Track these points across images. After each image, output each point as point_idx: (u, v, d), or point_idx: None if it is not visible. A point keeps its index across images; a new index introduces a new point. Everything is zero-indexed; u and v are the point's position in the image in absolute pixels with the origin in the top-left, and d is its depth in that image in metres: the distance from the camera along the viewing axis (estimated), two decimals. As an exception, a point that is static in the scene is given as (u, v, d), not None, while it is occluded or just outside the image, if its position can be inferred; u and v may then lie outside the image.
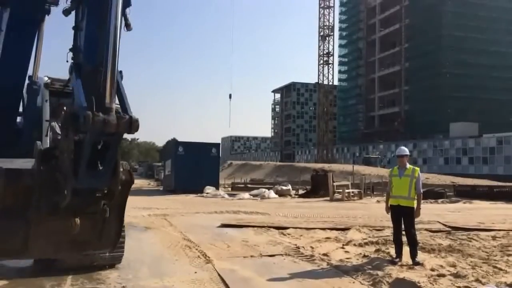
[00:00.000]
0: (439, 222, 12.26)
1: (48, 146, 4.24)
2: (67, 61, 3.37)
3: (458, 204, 20.82)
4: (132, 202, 7.18)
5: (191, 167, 25.35)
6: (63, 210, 3.28)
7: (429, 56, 71.57)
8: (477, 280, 6.27)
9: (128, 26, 3.25)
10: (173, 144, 29.82)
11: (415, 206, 7.52)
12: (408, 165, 7.74)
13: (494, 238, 10.01)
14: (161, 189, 30.91)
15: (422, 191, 7.83)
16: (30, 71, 5.81)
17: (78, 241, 3.54)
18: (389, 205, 7.82)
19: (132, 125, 3.11)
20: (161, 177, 35.48)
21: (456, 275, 6.57)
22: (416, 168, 7.84)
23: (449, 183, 28.97)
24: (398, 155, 7.87)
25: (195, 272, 6.79)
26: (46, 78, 6.19)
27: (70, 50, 3.37)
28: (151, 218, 13.13)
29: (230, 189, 29.86)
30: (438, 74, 71.07)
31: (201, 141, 30.10)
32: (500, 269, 6.99)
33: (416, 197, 7.55)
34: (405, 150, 7.93)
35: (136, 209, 14.51)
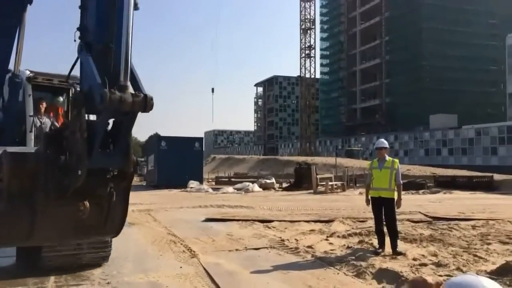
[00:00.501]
0: (421, 213, 12.48)
1: (32, 140, 4.13)
2: (74, 40, 3.26)
3: (439, 194, 21.20)
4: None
5: (175, 162, 25.21)
6: (71, 193, 3.22)
7: (409, 49, 72.36)
8: (458, 269, 6.41)
9: (135, 5, 3.20)
10: (156, 139, 29.61)
11: (395, 197, 7.65)
12: (387, 157, 7.85)
13: (473, 227, 10.24)
14: (144, 184, 30.68)
15: (402, 182, 7.97)
16: (11, 65, 5.62)
17: (83, 226, 3.47)
18: (369, 197, 7.93)
19: (147, 103, 3.06)
20: (144, 172, 35.21)
21: (438, 264, 6.71)
22: (395, 160, 7.96)
23: (429, 174, 29.44)
24: (377, 148, 7.97)
25: (180, 267, 6.79)
26: (28, 72, 6.01)
27: (78, 29, 3.27)
28: (135, 214, 13.04)
29: (214, 183, 29.84)
30: (418, 67, 71.97)
31: (184, 136, 29.94)
32: (480, 258, 7.16)
33: (396, 188, 7.68)
34: (384, 142, 8.05)
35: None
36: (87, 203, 3.31)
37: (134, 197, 18.83)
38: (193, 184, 24.72)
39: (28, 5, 5.10)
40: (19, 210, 3.22)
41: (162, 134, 30.27)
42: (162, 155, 26.17)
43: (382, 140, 8.22)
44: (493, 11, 73.42)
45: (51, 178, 3.21)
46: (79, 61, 3.34)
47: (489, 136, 57.40)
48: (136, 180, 35.35)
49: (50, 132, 3.26)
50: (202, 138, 30.85)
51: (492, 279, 5.62)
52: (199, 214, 13.03)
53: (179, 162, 25.30)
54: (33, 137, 5.71)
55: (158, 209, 14.36)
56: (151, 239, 9.16)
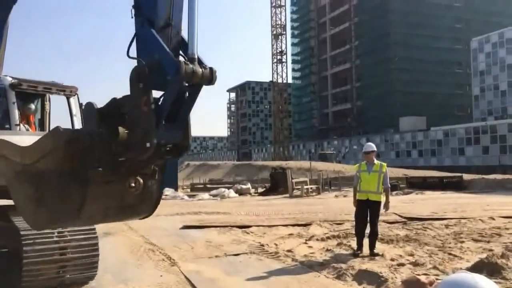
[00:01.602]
0: (395, 214, 12.69)
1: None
2: (132, 17, 3.22)
3: (411, 195, 21.66)
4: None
5: (149, 170, 24.84)
6: (123, 171, 3.21)
7: (378, 53, 73.93)
8: (434, 268, 6.58)
9: None
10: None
11: (382, 200, 7.80)
12: (375, 161, 7.97)
13: (447, 226, 10.51)
14: (117, 193, 30.15)
15: (389, 185, 8.13)
16: None
17: (125, 205, 3.42)
18: (356, 199, 8.01)
19: (213, 76, 3.08)
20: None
21: (415, 264, 6.87)
22: (384, 163, 8.08)
23: (401, 175, 30.02)
24: (365, 152, 8.06)
25: (161, 276, 6.71)
26: (9, 78, 5.74)
27: (133, 6, 3.23)
28: (110, 223, 12.79)
29: (189, 190, 29.60)
30: (387, 71, 73.55)
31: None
32: (455, 256, 7.37)
33: (384, 192, 7.82)
34: (372, 146, 8.15)
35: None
36: (140, 179, 3.30)
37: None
38: (168, 191, 24.42)
39: (13, 5, 4.96)
40: (70, 189, 3.16)
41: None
42: (136, 163, 25.79)
43: (370, 144, 8.33)
44: (458, 15, 75.85)
45: (104, 155, 3.15)
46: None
47: (457, 137, 59.13)
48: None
49: (100, 108, 3.20)
50: (176, 144, 30.57)
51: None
52: (176, 221, 12.90)
53: (153, 169, 24.92)
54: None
55: (134, 218, 14.13)
56: (129, 248, 9.02)
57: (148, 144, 2.99)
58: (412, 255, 7.56)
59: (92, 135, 3.11)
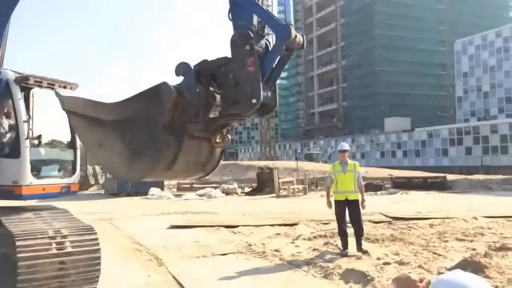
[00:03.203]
0: (381, 213, 12.85)
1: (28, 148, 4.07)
2: None
3: (396, 195, 21.89)
4: (73, 207, 6.95)
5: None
6: (214, 126, 3.44)
7: (364, 54, 74.55)
8: (419, 266, 6.68)
9: None
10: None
11: (359, 198, 7.91)
12: (349, 160, 8.08)
13: (431, 226, 10.67)
14: (102, 192, 29.86)
15: (363, 184, 8.24)
16: None
17: (199, 162, 3.61)
18: (333, 200, 8.08)
19: (305, 42, 3.48)
20: (102, 181, 34.25)
21: (400, 263, 6.97)
22: (356, 162, 8.21)
23: (386, 175, 30.33)
24: (340, 150, 8.16)
25: (149, 276, 6.71)
26: (12, 73, 5.55)
27: None
28: (96, 223, 12.60)
29: (175, 189, 29.45)
30: (372, 72, 74.20)
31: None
32: (439, 255, 7.50)
33: (359, 190, 7.93)
34: (345, 145, 8.27)
35: (78, 214, 13.93)
36: (228, 135, 3.58)
37: (93, 206, 18.43)
38: (154, 191, 24.28)
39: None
40: (169, 140, 3.31)
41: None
42: (122, 163, 25.61)
43: (344, 143, 8.44)
44: (442, 18, 76.85)
45: (201, 109, 3.33)
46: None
47: (440, 138, 59.93)
48: (94, 188, 34.40)
49: (196, 68, 3.40)
50: (162, 144, 30.37)
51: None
52: (163, 221, 12.84)
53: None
54: (28, 145, 5.37)
55: (120, 218, 14.04)
56: (116, 249, 8.95)
57: (254, 100, 3.24)
58: (397, 254, 7.66)
59: (192, 90, 3.31)
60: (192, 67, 3.40)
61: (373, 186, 23.56)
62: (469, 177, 30.03)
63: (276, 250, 8.25)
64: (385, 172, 33.09)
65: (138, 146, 3.38)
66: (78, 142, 6.39)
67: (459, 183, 25.91)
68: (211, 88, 3.43)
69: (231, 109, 3.36)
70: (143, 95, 3.34)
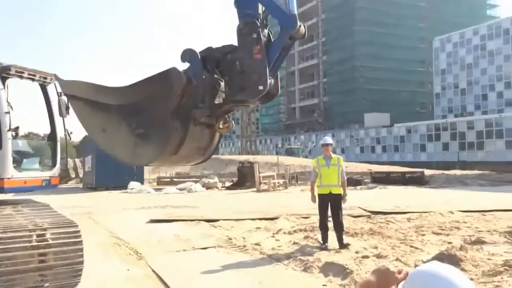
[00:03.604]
0: (360, 208, 13.02)
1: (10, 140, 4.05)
2: None
3: (375, 190, 22.21)
4: (50, 201, 6.84)
5: (114, 163, 24.16)
6: (219, 112, 3.52)
7: (345, 50, 75.06)
8: (397, 259, 6.81)
9: None
10: (93, 139, 28.49)
11: (341, 192, 8.00)
12: (332, 155, 8.15)
13: (409, 220, 10.86)
14: (80, 186, 29.48)
15: (346, 178, 8.34)
16: None
17: (200, 147, 3.68)
18: (317, 194, 8.16)
19: (306, 32, 3.59)
20: (80, 174, 33.79)
21: (379, 256, 7.09)
22: (340, 157, 8.28)
23: (366, 170, 30.71)
24: (323, 144, 8.21)
25: (128, 270, 6.67)
26: None
27: None
28: (74, 218, 12.45)
29: (155, 183, 29.28)
30: (352, 67, 74.81)
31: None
32: (417, 248, 7.65)
33: (342, 185, 8.02)
34: (328, 139, 8.34)
35: (56, 208, 13.72)
36: (231, 122, 3.64)
37: (71, 200, 18.19)
38: (134, 185, 24.10)
39: None
40: (176, 126, 3.35)
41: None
42: (100, 156, 25.23)
43: (327, 137, 8.51)
44: (422, 15, 77.87)
45: (207, 95, 3.41)
46: None
47: (419, 134, 60.87)
48: (72, 182, 33.92)
49: (202, 53, 3.49)
50: (142, 138, 30.07)
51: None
52: (143, 215, 12.76)
53: (118, 163, 24.29)
54: (10, 137, 5.21)
55: (99, 212, 13.90)
56: (94, 243, 8.84)
57: (261, 87, 3.35)
58: (376, 247, 7.78)
59: (199, 76, 3.39)
60: (198, 53, 3.48)
61: (352, 181, 23.81)
62: (446, 172, 30.64)
63: (257, 244, 8.28)
64: (364, 167, 33.50)
65: (145, 131, 3.42)
66: (58, 134, 6.29)
67: (436, 178, 26.43)
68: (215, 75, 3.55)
69: (238, 95, 3.45)
70: (151, 80, 3.37)
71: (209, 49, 3.48)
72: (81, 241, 5.11)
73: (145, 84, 3.39)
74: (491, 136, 53.51)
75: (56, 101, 6.01)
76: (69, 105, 6.27)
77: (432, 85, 77.97)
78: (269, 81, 3.44)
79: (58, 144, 6.22)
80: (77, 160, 35.77)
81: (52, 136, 6.12)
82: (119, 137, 3.56)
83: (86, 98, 3.70)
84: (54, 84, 6.01)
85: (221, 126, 3.61)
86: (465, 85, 73.03)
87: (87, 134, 3.93)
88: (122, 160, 3.76)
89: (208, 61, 3.47)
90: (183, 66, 3.43)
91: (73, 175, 33.39)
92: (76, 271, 4.99)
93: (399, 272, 1.59)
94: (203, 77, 3.40)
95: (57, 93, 5.94)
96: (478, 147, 54.56)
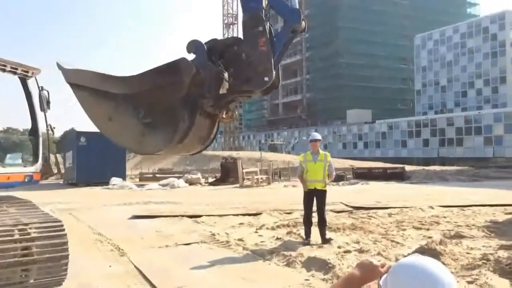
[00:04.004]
0: (342, 203, 13.14)
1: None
2: None
3: (357, 185, 22.42)
4: (30, 197, 6.73)
5: (95, 158, 24.18)
6: (223, 103, 3.62)
7: (327, 47, 75.45)
8: (378, 254, 6.89)
9: None
10: (74, 134, 28.14)
11: (327, 189, 8.07)
12: (320, 151, 8.17)
13: (390, 215, 11.00)
14: (61, 182, 29.07)
15: (334, 174, 8.37)
16: None
17: (201, 137, 3.76)
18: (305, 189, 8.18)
19: (306, 27, 3.67)
20: (62, 170, 33.30)
21: (360, 251, 7.17)
22: (327, 153, 8.30)
23: (348, 166, 31.01)
24: (311, 140, 8.23)
25: (110, 266, 6.61)
26: None
27: None
28: (55, 214, 12.33)
29: (138, 179, 29.05)
30: (335, 64, 75.27)
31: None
32: (398, 243, 7.75)
33: (328, 177, 8.09)
34: (317, 135, 8.35)
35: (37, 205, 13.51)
36: (235, 111, 3.78)
37: (52, 196, 17.93)
38: (115, 181, 23.87)
39: None
40: (183, 115, 3.40)
41: (80, 130, 28.67)
42: (82, 152, 24.99)
43: (316, 133, 8.51)
44: (404, 13, 78.73)
45: (213, 85, 3.47)
46: None
47: (400, 130, 61.69)
48: (52, 178, 33.41)
49: (207, 45, 3.57)
50: (125, 133, 29.77)
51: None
52: (125, 211, 12.66)
53: (100, 159, 24.32)
54: None
55: (80, 208, 13.73)
56: (76, 240, 8.71)
57: (266, 78, 3.46)
58: (358, 242, 7.87)
59: (205, 67, 3.44)
60: (203, 43, 3.56)
61: (335, 177, 24.00)
62: (426, 168, 31.16)
63: (240, 240, 8.29)
64: (346, 163, 33.83)
65: (153, 120, 3.47)
66: (40, 129, 6.19)
67: (416, 173, 26.84)
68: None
69: (244, 86, 3.55)
70: (160, 70, 3.43)
71: (214, 40, 3.57)
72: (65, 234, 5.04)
73: (154, 74, 3.45)
74: (470, 132, 54.55)
75: (37, 95, 5.91)
76: (50, 100, 6.19)
77: (413, 82, 78.98)
78: (273, 72, 3.60)
79: (40, 139, 6.13)
80: (58, 156, 35.24)
81: (33, 131, 6.01)
82: (126, 126, 3.60)
83: (91, 87, 3.73)
84: (35, 78, 5.91)
85: (224, 116, 3.72)
86: (445, 82, 74.21)
87: (92, 123, 3.97)
88: (129, 149, 3.89)
89: (213, 53, 3.53)
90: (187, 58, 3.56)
91: (55, 171, 32.91)
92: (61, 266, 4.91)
93: (382, 266, 1.62)
94: (209, 68, 3.47)
95: (38, 87, 5.84)
96: (457, 143, 55.57)
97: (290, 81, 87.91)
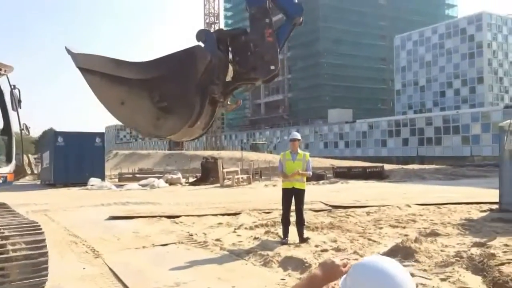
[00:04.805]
0: (321, 202, 13.20)
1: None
2: None
3: (337, 184, 22.58)
4: (6, 199, 6.58)
5: (73, 159, 23.81)
6: (229, 90, 3.80)
7: (309, 46, 75.86)
8: (355, 252, 6.92)
9: None
10: (51, 134, 27.64)
11: (305, 188, 8.07)
12: (299, 150, 8.17)
13: (368, 213, 11.09)
14: (38, 183, 28.53)
15: (311, 173, 8.34)
16: None
17: (204, 124, 3.87)
18: (282, 188, 8.17)
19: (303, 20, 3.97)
20: (37, 170, 32.72)
21: (337, 249, 7.20)
22: (307, 153, 8.30)
23: (328, 165, 31.20)
24: (291, 139, 8.22)
25: (84, 268, 6.49)
26: None
27: None
28: (29, 216, 12.07)
29: (117, 180, 28.69)
30: (316, 64, 75.70)
31: (84, 131, 28.40)
32: (374, 241, 7.81)
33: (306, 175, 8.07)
34: (297, 134, 8.35)
35: (11, 206, 13.20)
36: (240, 100, 4.11)
37: (27, 197, 17.57)
38: (94, 181, 23.50)
39: None
40: (197, 101, 3.53)
41: (60, 130, 28.23)
42: (59, 152, 24.54)
43: (296, 132, 8.51)
44: (383, 13, 79.65)
45: (221, 73, 3.64)
46: None
47: (380, 130, 62.37)
48: (28, 179, 32.78)
49: (216, 34, 3.78)
50: (104, 133, 29.43)
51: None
52: (102, 212, 12.47)
53: (78, 159, 23.96)
54: None
55: (56, 209, 13.48)
56: (49, 241, 8.54)
57: (272, 67, 3.72)
58: (335, 241, 7.89)
59: (216, 55, 3.61)
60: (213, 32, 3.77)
61: (315, 176, 24.12)
62: (405, 167, 31.56)
63: (217, 240, 8.24)
64: (327, 162, 34.03)
65: (168, 105, 3.58)
66: (13, 129, 6.04)
67: (395, 172, 27.17)
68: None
69: (252, 74, 3.77)
70: (176, 56, 3.59)
71: (221, 30, 3.84)
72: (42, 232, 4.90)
73: (170, 60, 3.61)
74: (448, 132, 55.48)
75: (8, 93, 5.75)
76: (21, 98, 6.04)
77: (393, 82, 79.93)
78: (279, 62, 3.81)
79: (14, 139, 5.97)
80: (31, 156, 34.59)
81: (6, 131, 5.86)
82: (140, 110, 3.71)
83: (103, 72, 3.79)
84: (7, 76, 5.76)
85: (229, 103, 3.94)
86: (424, 82, 75.34)
87: (104, 107, 4.05)
88: (142, 132, 4.08)
89: (220, 42, 3.72)
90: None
91: (28, 171, 32.29)
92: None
93: (344, 266, 1.62)
94: (219, 56, 3.64)
95: (10, 85, 5.69)
96: (436, 142, 56.46)
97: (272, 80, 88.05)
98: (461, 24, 71.64)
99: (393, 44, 78.04)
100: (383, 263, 1.44)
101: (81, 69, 3.99)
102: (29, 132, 6.64)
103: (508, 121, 11.02)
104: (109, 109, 3.96)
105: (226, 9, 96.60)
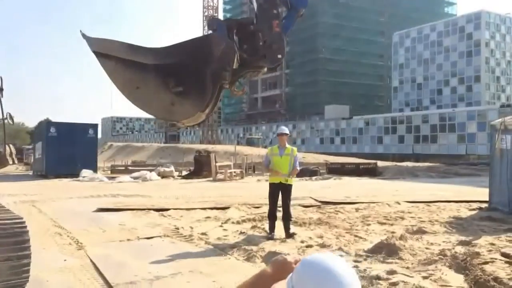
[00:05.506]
0: (311, 198, 13.15)
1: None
2: None
3: (330, 180, 22.52)
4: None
5: (65, 150, 23.64)
6: (237, 77, 4.01)
7: (307, 42, 75.61)
8: (339, 249, 6.88)
9: None
10: (44, 124, 27.47)
11: (292, 183, 8.00)
12: (287, 145, 8.08)
13: (357, 210, 11.05)
14: (30, 174, 28.39)
15: (299, 168, 8.25)
16: None
17: (209, 109, 4.07)
18: (269, 183, 8.11)
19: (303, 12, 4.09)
20: (30, 160, 32.56)
21: (322, 245, 7.15)
22: (295, 148, 8.22)
23: (322, 161, 31.17)
24: (279, 134, 8.13)
25: (65, 260, 6.41)
26: None
27: None
28: (17, 206, 11.99)
29: (109, 172, 28.58)
30: (314, 59, 75.51)
31: (78, 122, 28.25)
32: (360, 238, 7.77)
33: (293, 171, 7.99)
34: (285, 129, 8.25)
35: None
36: (246, 87, 4.46)
37: (17, 187, 17.47)
38: (86, 173, 23.35)
39: None
40: (211, 86, 3.71)
41: (56, 120, 27.98)
42: (51, 142, 24.38)
43: (283, 127, 8.41)
44: (382, 9, 79.44)
45: (231, 60, 3.76)
46: None
47: (376, 126, 62.40)
48: (22, 169, 32.62)
49: (229, 24, 3.94)
50: (97, 124, 29.20)
51: (368, 256, 6.09)
52: (91, 204, 12.37)
53: (70, 150, 23.79)
54: None
55: (45, 200, 13.38)
56: (34, 232, 8.44)
57: (279, 55, 3.98)
58: (321, 237, 7.84)
59: (228, 42, 3.78)
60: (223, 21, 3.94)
61: (308, 172, 24.13)
62: (398, 164, 31.56)
63: (203, 234, 8.18)
64: (321, 158, 34.01)
65: (184, 89, 3.75)
66: None
67: (389, 169, 27.15)
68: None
69: (260, 62, 4.00)
70: (192, 43, 3.79)
71: (229, 20, 4.11)
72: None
73: (186, 47, 3.76)
74: (444, 130, 55.58)
75: None
76: (3, 87, 5.94)
77: (390, 79, 79.86)
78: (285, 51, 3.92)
79: None
80: (12, 146, 34.39)
81: None
82: (155, 94, 3.86)
83: (118, 57, 3.88)
84: None
85: (236, 89, 4.11)
86: (421, 79, 75.30)
87: (119, 91, 4.14)
88: (157, 116, 4.41)
89: (230, 31, 3.90)
90: None
91: (10, 162, 32.16)
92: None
93: (296, 262, 1.56)
94: (229, 43, 3.80)
95: None
96: (431, 140, 56.56)
97: (270, 75, 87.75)
98: (460, 22, 71.55)
99: (391, 41, 77.91)
100: (329, 261, 1.38)
101: (96, 53, 4.06)
102: (13, 122, 6.55)
103: (500, 119, 10.99)
104: (124, 93, 4.09)
105: (225, 3, 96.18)
